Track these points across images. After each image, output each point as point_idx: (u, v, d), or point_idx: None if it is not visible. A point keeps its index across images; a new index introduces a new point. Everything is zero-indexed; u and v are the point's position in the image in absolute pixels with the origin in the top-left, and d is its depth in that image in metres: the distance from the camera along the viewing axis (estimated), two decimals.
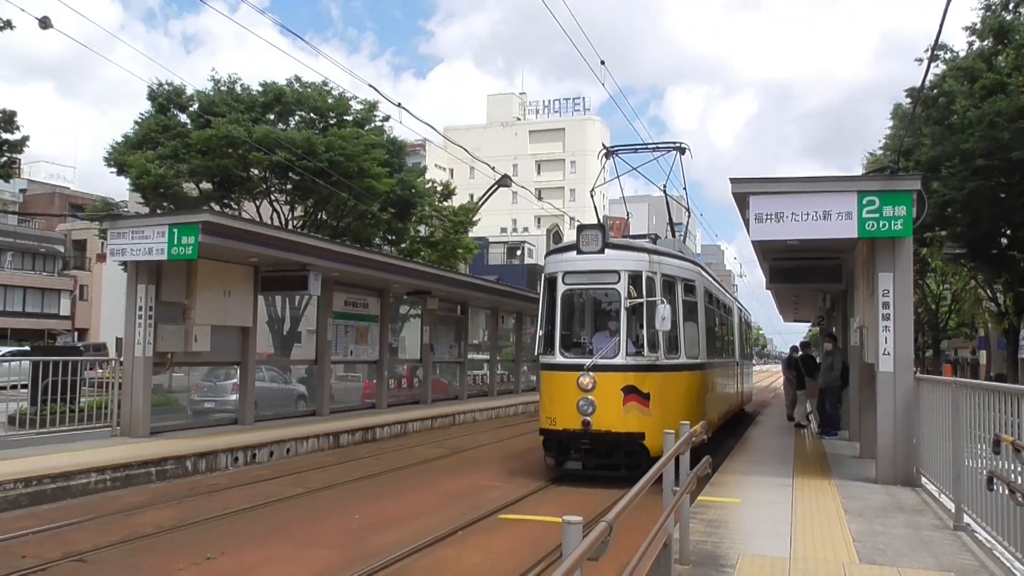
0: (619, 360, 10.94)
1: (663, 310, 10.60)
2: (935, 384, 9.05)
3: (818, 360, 18.03)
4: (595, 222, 12.26)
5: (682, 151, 14.32)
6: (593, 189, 16.47)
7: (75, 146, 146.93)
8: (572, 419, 10.91)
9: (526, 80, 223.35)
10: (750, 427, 18.07)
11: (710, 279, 15.37)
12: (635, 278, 11.12)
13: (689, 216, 16.33)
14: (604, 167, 15.08)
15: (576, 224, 13.48)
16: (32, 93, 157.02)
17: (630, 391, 10.85)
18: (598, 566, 3.36)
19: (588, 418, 10.80)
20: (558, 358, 11.32)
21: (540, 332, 11.71)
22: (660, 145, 14.80)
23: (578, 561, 2.84)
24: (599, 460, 11.20)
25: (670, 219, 15.91)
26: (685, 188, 15.66)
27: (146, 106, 27.17)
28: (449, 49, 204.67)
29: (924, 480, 9.38)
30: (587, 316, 12.56)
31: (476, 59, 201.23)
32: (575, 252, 11.46)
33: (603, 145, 15.41)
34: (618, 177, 17.00)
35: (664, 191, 15.63)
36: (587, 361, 10.96)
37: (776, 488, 9.45)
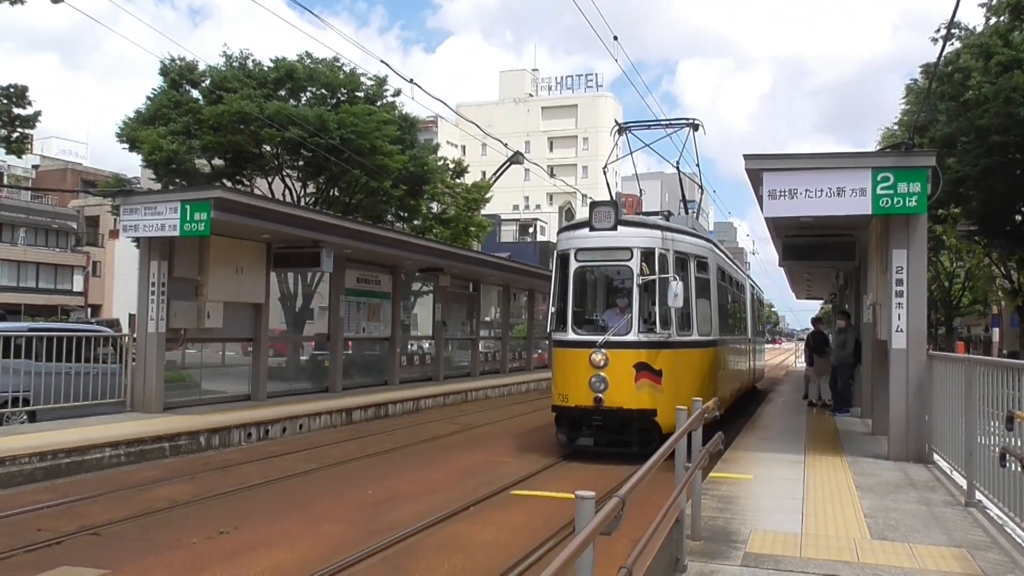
0: (631, 337, 10.96)
1: (675, 287, 10.59)
2: (948, 361, 9.01)
3: (830, 337, 17.97)
4: (608, 199, 12.16)
5: (695, 128, 14.20)
6: (606, 166, 16.45)
7: (87, 123, 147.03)
8: (584, 396, 10.96)
9: (535, 54, 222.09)
10: (762, 404, 18.06)
11: (723, 256, 15.25)
12: (648, 255, 11.12)
13: (702, 193, 16.14)
14: (617, 144, 14.98)
15: (588, 201, 13.39)
16: (37, 66, 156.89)
17: (642, 368, 10.89)
18: (611, 541, 3.37)
19: (600, 395, 10.84)
20: (570, 335, 11.36)
21: (552, 309, 11.76)
22: (673, 121, 14.67)
23: (591, 535, 2.85)
24: (611, 436, 11.25)
25: (683, 196, 15.78)
26: (698, 165, 15.49)
27: (153, 80, 27.37)
28: (456, 23, 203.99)
29: (936, 457, 9.37)
30: (599, 293, 12.61)
31: (484, 32, 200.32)
32: (588, 229, 11.49)
33: (616, 122, 15.24)
34: (631, 153, 17.32)
35: (677, 168, 15.46)
36: (599, 338, 10.98)
37: (788, 464, 9.46)
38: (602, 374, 10.87)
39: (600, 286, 12.58)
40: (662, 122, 14.82)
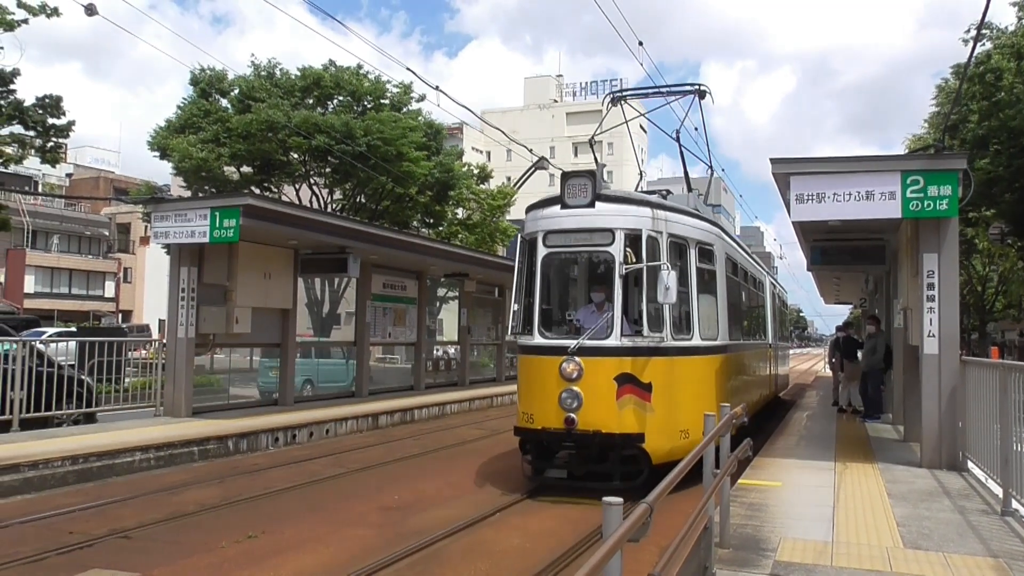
0: (612, 342, 8.95)
1: (667, 277, 8.54)
2: (982, 366, 8.86)
3: (860, 341, 17.77)
4: (585, 170, 9.76)
5: (702, 95, 12.16)
6: (592, 138, 13.67)
7: (118, 129, 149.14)
8: (553, 416, 8.94)
9: (555, 57, 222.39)
10: (791, 410, 17.85)
11: (734, 245, 13.14)
12: (634, 239, 9.13)
13: (712, 174, 14.11)
14: (607, 114, 12.89)
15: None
16: (60, 74, 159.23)
17: (626, 380, 8.90)
18: (639, 549, 3.34)
19: (572, 415, 8.82)
20: (536, 339, 9.39)
21: (515, 307, 9.83)
22: (676, 88, 12.74)
23: (618, 542, 2.82)
24: (587, 467, 9.22)
25: (685, 171, 13.84)
26: (707, 140, 14.41)
27: (177, 87, 27.83)
28: (475, 25, 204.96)
29: (970, 464, 9.21)
30: (574, 287, 10.72)
31: (503, 34, 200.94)
32: (559, 207, 9.47)
33: (610, 93, 12.97)
34: (626, 123, 13.49)
35: (678, 139, 13.23)
36: (572, 343, 8.99)
37: (818, 471, 9.34)
38: (575, 388, 8.86)
39: (575, 278, 10.65)
40: (663, 89, 12.90)
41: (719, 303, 10.66)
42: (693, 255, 9.83)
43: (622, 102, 12.54)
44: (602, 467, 9.07)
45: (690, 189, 12.21)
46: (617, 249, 9.03)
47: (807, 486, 8.54)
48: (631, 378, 8.90)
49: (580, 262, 10.38)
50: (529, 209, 10.15)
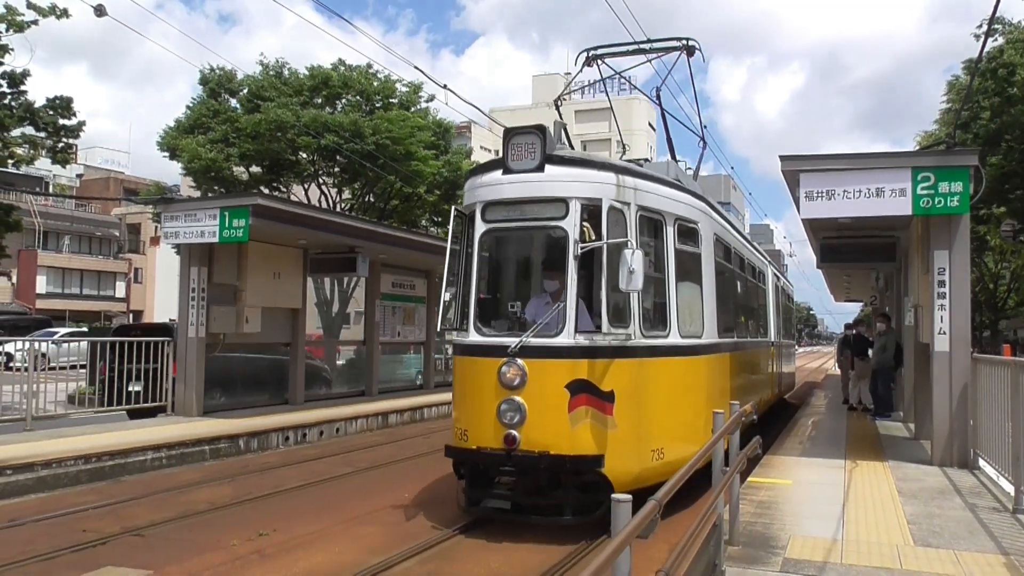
0: (564, 340, 7.21)
1: (631, 258, 6.84)
2: (993, 364, 8.82)
3: (870, 339, 17.71)
4: (532, 125, 7.82)
5: (690, 51, 10.70)
6: (559, 98, 11.72)
7: (127, 129, 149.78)
8: (490, 433, 7.27)
9: (562, 55, 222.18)
10: (800, 409, 17.80)
11: (727, 226, 11.30)
12: (593, 210, 7.41)
13: (704, 147, 12.42)
14: (574, 74, 11.22)
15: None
16: (67, 75, 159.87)
17: (581, 388, 7.16)
18: (648, 547, 3.35)
19: (514, 432, 7.13)
20: (472, 336, 7.67)
21: (446, 296, 8.30)
22: (660, 43, 10.99)
23: (627, 538, 2.84)
24: (534, 498, 7.52)
25: (668, 137, 12.24)
26: (696, 101, 12.69)
27: (184, 87, 27.82)
28: (482, 23, 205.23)
29: (981, 462, 9.17)
30: (521, 272, 8.65)
31: (510, 31, 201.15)
32: (500, 172, 7.71)
33: (585, 51, 10.92)
34: (602, 81, 11.66)
35: (658, 99, 11.45)
36: (512, 341, 7.23)
37: (828, 469, 9.32)
38: (517, 399, 7.15)
39: (524, 261, 8.60)
40: (644, 46, 11.12)
41: (705, 293, 8.92)
42: (671, 234, 8.14)
43: (598, 62, 10.83)
44: (549, 499, 7.42)
45: (675, 159, 10.64)
46: (571, 224, 7.32)
47: (817, 484, 8.52)
48: (587, 385, 7.17)
49: (528, 241, 8.38)
50: (468, 176, 8.43)
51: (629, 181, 7.67)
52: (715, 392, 8.96)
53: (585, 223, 7.37)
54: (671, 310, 8.03)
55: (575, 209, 7.32)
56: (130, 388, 12.88)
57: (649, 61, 11.24)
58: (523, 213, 7.69)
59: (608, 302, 7.16)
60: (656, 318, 8.01)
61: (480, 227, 7.76)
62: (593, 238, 7.35)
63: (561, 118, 9.27)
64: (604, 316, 7.13)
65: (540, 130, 7.56)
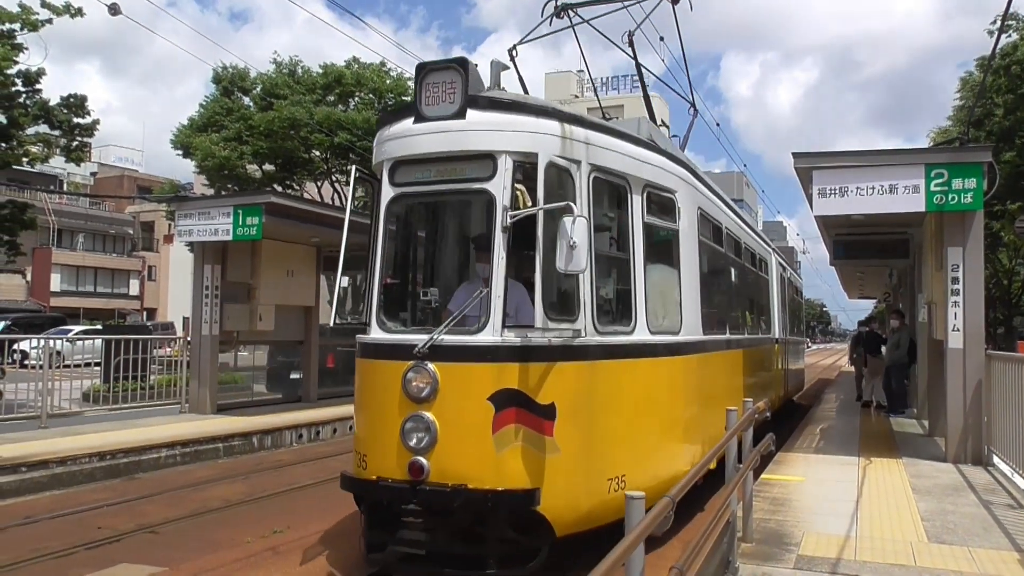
0: (487, 337, 5.59)
1: (572, 228, 5.12)
2: (1007, 361, 8.78)
3: (884, 336, 17.64)
4: (450, 59, 6.07)
5: None
6: (515, 47, 9.19)
7: (140, 128, 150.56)
8: (393, 459, 5.63)
9: (572, 50, 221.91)
10: (814, 407, 17.73)
11: (716, 201, 9.30)
12: (527, 168, 5.72)
13: (696, 114, 10.87)
14: (541, 23, 9.60)
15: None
16: (78, 71, 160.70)
17: (510, 401, 5.49)
18: (659, 542, 3.35)
19: (421, 458, 5.48)
20: (373, 333, 6.08)
21: (343, 282, 7.14)
22: None
23: (641, 533, 2.84)
24: (454, 542, 5.60)
25: (645, 93, 10.35)
26: (684, 53, 10.98)
27: (197, 85, 27.90)
28: (492, 19, 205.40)
29: (996, 459, 9.13)
30: (440, 251, 6.97)
31: (522, 29, 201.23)
32: (412, 120, 6.01)
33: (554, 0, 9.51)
34: (572, 27, 9.78)
35: (631, 44, 9.87)
36: (421, 339, 5.59)
37: (842, 466, 9.29)
38: (425, 414, 5.52)
39: (438, 234, 6.97)
40: None
41: (684, 280, 7.26)
42: (639, 203, 6.53)
43: (568, 12, 9.47)
44: (470, 547, 5.60)
45: (653, 119, 9.27)
46: (499, 185, 5.65)
47: (831, 480, 8.50)
48: (518, 396, 5.50)
49: (448, 209, 6.76)
50: (378, 125, 6.60)
51: (579, 133, 6.00)
52: (697, 397, 7.47)
53: (519, 185, 5.79)
54: (636, 299, 6.44)
55: (505, 166, 5.67)
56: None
57: (626, 7, 9.77)
58: (440, 173, 5.98)
59: (545, 288, 5.42)
60: (618, 310, 6.45)
61: (387, 192, 6.15)
62: (529, 204, 5.74)
63: (517, 68, 8.16)
64: (539, 306, 5.38)
65: (461, 64, 5.86)
